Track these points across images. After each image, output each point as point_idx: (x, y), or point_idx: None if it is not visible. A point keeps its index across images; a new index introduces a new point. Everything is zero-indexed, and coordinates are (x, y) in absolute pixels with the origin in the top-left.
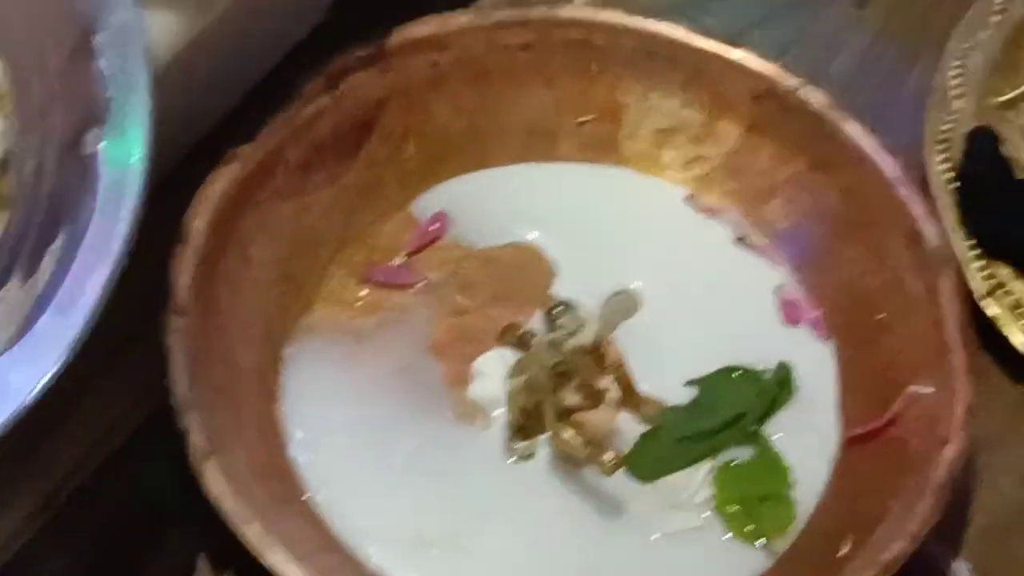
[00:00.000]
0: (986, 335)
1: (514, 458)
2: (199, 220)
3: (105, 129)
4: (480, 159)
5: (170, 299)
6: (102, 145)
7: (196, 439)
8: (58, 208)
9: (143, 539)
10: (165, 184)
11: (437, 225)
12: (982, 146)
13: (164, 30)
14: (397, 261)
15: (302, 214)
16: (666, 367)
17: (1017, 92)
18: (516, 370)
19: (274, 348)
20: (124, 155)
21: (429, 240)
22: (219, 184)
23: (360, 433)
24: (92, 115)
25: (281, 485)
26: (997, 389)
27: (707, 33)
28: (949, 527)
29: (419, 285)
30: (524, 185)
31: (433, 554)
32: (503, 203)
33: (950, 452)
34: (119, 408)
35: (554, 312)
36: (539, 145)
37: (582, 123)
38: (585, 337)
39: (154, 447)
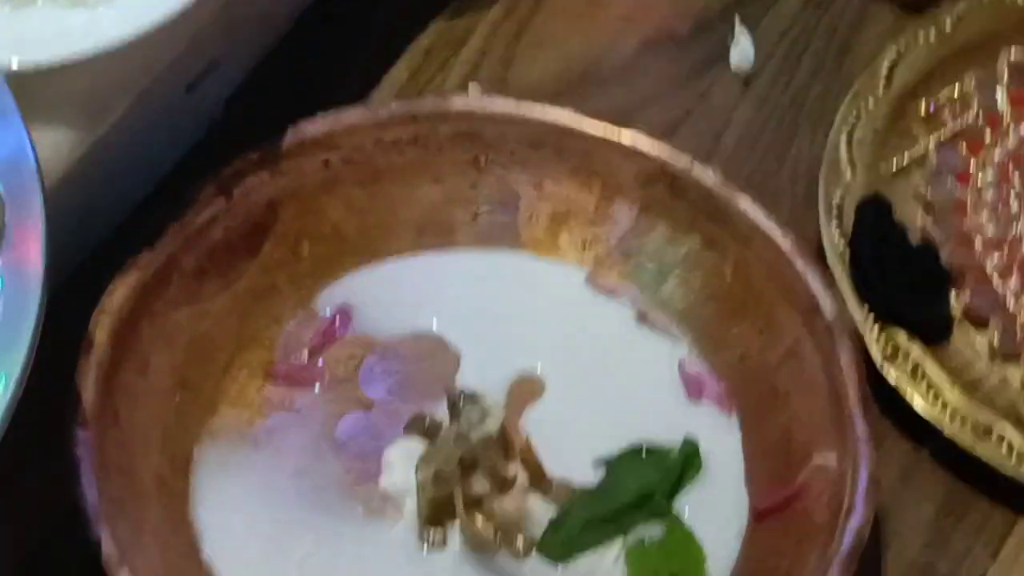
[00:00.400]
0: (878, 398)
1: (426, 548)
2: (101, 332)
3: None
4: (375, 254)
5: (75, 412)
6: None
7: (107, 548)
8: None
9: None
10: (62, 288)
11: (339, 320)
12: (872, 215)
13: (56, 146)
14: (300, 359)
15: (197, 321)
16: (573, 449)
17: (908, 160)
18: (424, 462)
19: (176, 454)
20: (22, 273)
21: (332, 336)
22: (118, 293)
23: (269, 534)
24: None
25: None
26: (892, 452)
27: (596, 115)
28: None
29: (322, 382)
30: (424, 275)
31: None
32: (404, 294)
33: (855, 522)
34: (25, 520)
35: (457, 405)
36: (435, 238)
37: (476, 215)
38: (490, 427)
39: (64, 553)
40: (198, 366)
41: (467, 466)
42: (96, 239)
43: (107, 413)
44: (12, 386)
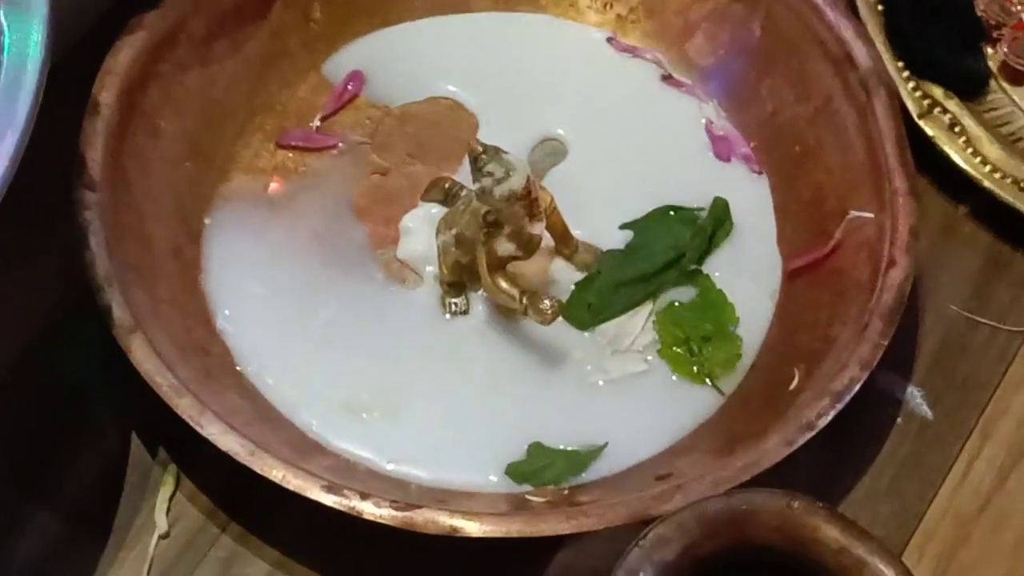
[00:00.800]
0: (915, 155)
1: (448, 315)
2: (107, 92)
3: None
4: (388, 17)
5: (82, 174)
6: (1, 11)
7: (119, 315)
8: None
9: (71, 426)
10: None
11: (352, 85)
12: None
13: None
14: (313, 124)
15: (207, 86)
16: (599, 212)
17: None
18: (444, 225)
19: (191, 221)
20: (25, 22)
21: (345, 101)
22: (124, 54)
23: (286, 302)
24: None
25: (209, 359)
26: (931, 209)
27: None
28: (898, 353)
29: (337, 147)
30: (439, 39)
31: (363, 419)
32: (419, 58)
33: (896, 276)
34: (35, 291)
35: (480, 159)
36: None
37: None
38: (515, 183)
39: (74, 331)
40: (210, 132)
41: (491, 226)
42: (102, 4)
43: (117, 178)
44: (16, 139)
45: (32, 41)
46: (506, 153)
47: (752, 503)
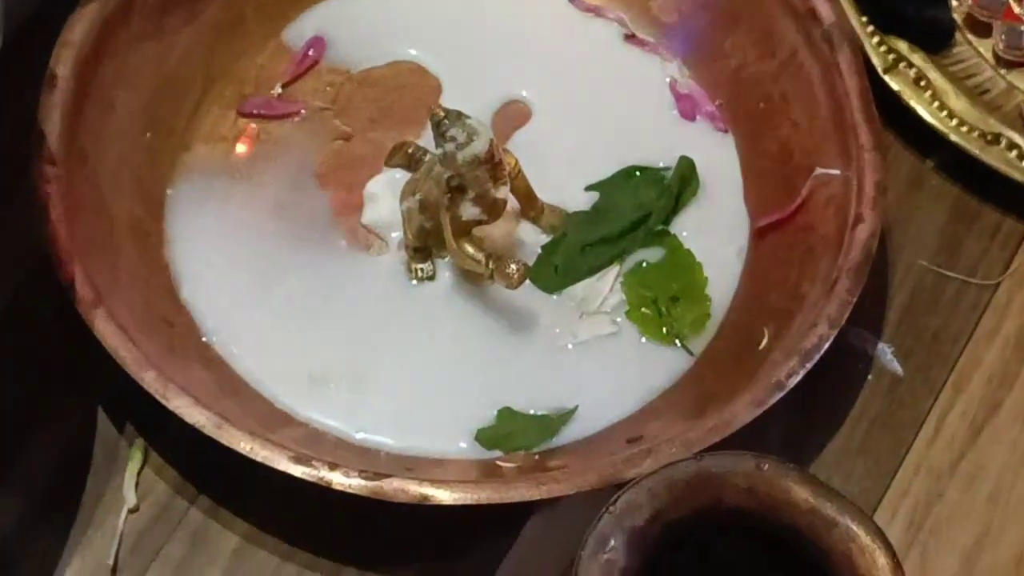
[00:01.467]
0: (882, 110)
1: (415, 281)
2: (63, 66)
3: None
4: None
5: (41, 149)
6: None
7: (81, 289)
8: None
9: (36, 402)
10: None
11: (313, 51)
12: None
13: None
14: (274, 92)
15: (163, 56)
16: (564, 174)
17: None
18: (408, 190)
19: (151, 193)
20: None
21: (306, 68)
22: (78, 28)
23: (250, 272)
24: None
25: (173, 332)
26: (898, 163)
27: None
28: (867, 309)
29: (299, 114)
30: (400, 2)
31: (331, 388)
32: (380, 22)
33: (863, 232)
34: None
35: (442, 124)
36: None
37: None
38: (478, 146)
39: (36, 307)
40: (167, 103)
41: (454, 190)
42: None
43: (74, 152)
44: None
45: None
46: (468, 117)
47: (722, 466)
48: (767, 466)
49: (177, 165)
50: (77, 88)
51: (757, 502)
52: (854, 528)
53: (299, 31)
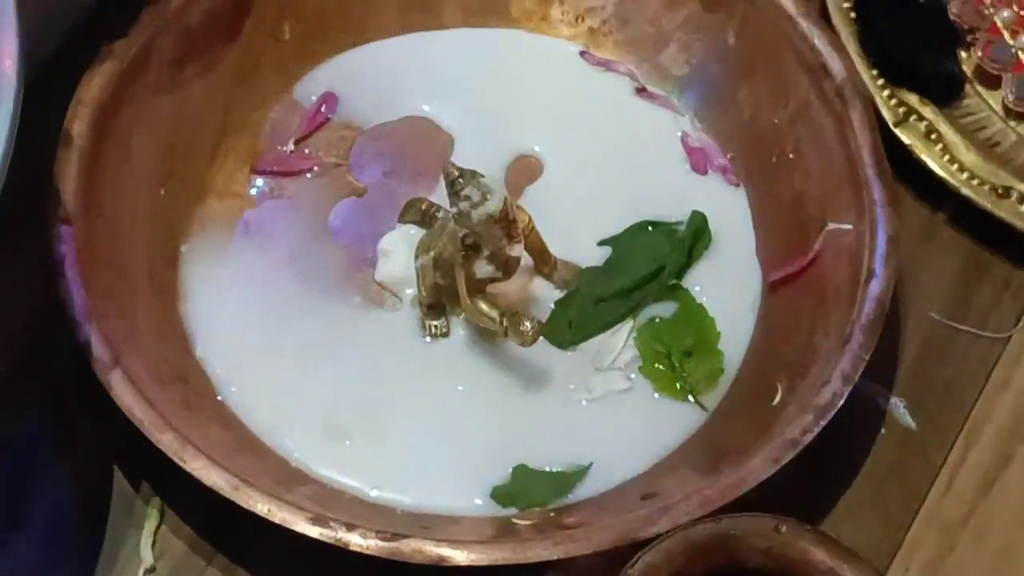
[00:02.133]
0: (893, 163)
1: (429, 337)
2: (79, 123)
3: None
4: (360, 34)
5: (57, 208)
6: None
7: (98, 350)
8: None
9: (53, 458)
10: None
11: (325, 107)
12: None
13: None
14: (287, 148)
15: (179, 108)
16: (577, 229)
17: None
18: (423, 247)
19: (167, 248)
20: None
21: (318, 123)
22: (96, 83)
23: (264, 327)
24: None
25: (188, 388)
26: (910, 217)
27: None
28: (879, 361)
29: (312, 169)
30: (411, 57)
31: (345, 445)
32: (391, 77)
33: (877, 287)
34: (7, 324)
35: (457, 183)
36: (420, 15)
37: None
38: (492, 205)
39: (51, 361)
40: (183, 156)
41: (469, 248)
42: (68, 27)
43: (91, 207)
44: None
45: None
46: (483, 176)
47: (740, 528)
48: (784, 528)
49: (192, 220)
50: (93, 144)
51: (774, 563)
52: None
53: (311, 86)
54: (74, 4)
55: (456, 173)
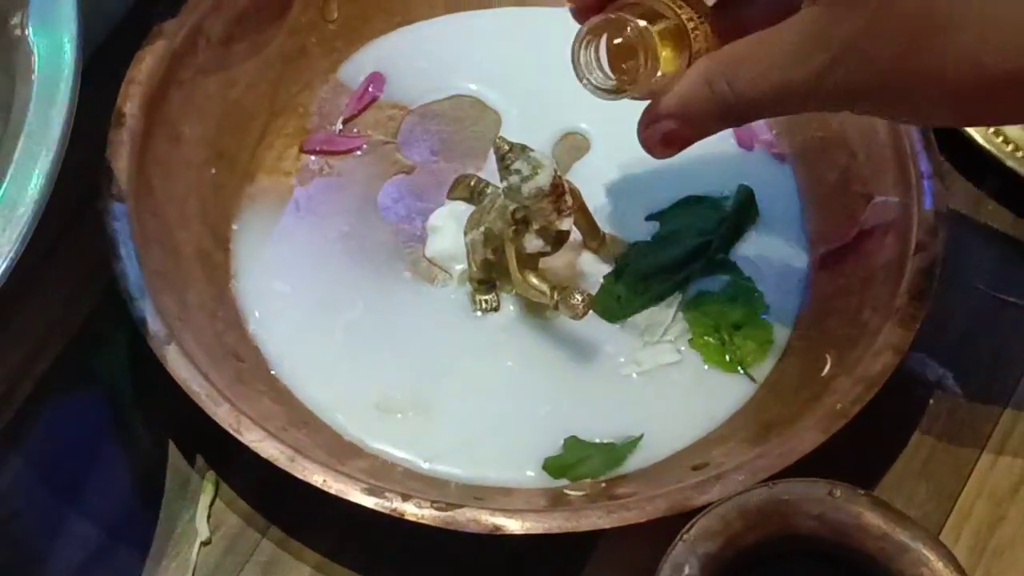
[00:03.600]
0: (938, 137)
1: (479, 312)
2: (131, 103)
3: (31, 9)
4: (407, 15)
5: (110, 185)
6: (30, 26)
7: (153, 325)
8: None
9: (109, 434)
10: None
11: (372, 87)
12: None
13: None
14: (335, 127)
15: (228, 88)
16: (625, 204)
17: None
18: (472, 222)
19: (218, 227)
20: (55, 35)
21: (366, 104)
22: (146, 64)
23: (316, 304)
24: None
25: (242, 365)
26: (955, 190)
27: None
28: (927, 333)
29: (361, 148)
30: (458, 36)
31: (398, 419)
32: (438, 57)
33: (924, 260)
34: (63, 302)
35: (507, 158)
36: None
37: None
38: (543, 179)
39: (106, 339)
40: (232, 135)
41: (519, 222)
42: (120, 11)
43: (142, 186)
44: (52, 157)
45: (64, 60)
46: (532, 150)
47: (793, 493)
48: (838, 492)
49: (242, 198)
50: (144, 124)
51: (828, 528)
52: (926, 553)
53: (358, 67)
54: None
55: (507, 147)
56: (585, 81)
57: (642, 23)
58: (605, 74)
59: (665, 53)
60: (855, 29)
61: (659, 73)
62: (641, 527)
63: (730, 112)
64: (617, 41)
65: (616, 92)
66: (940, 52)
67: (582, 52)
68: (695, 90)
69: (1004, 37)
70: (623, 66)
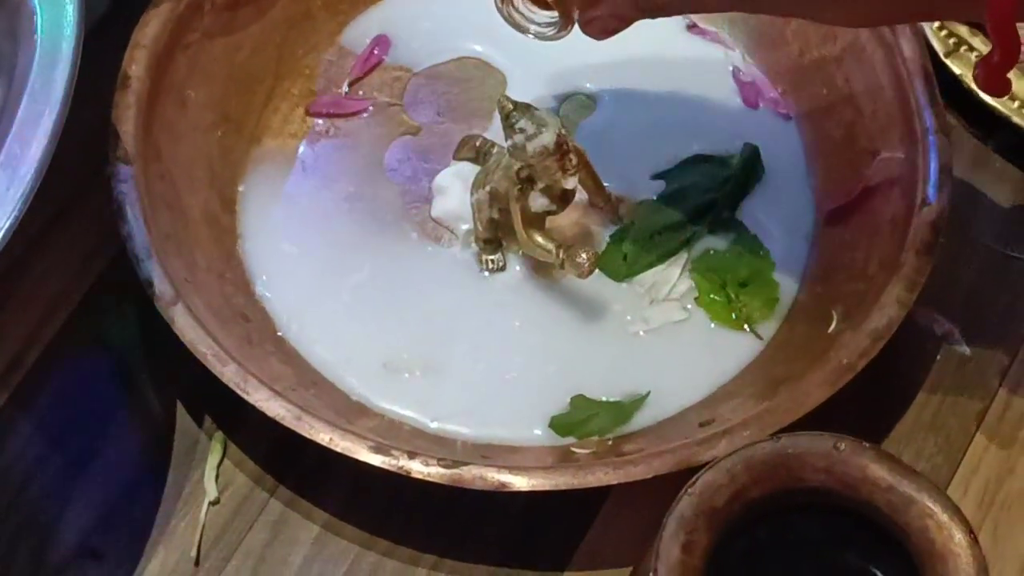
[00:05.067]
0: (943, 94)
1: (486, 272)
2: (136, 65)
3: None
4: None
5: (116, 148)
6: None
7: (160, 286)
8: None
9: (117, 396)
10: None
11: (377, 50)
12: None
13: None
14: (341, 90)
15: (234, 52)
16: (631, 163)
17: None
18: (478, 182)
19: (224, 189)
20: (57, 6)
21: (372, 66)
22: (151, 27)
23: (323, 265)
24: None
25: (250, 326)
26: (960, 146)
27: None
28: (933, 289)
29: (367, 110)
30: None
31: (405, 378)
32: (443, 19)
33: (930, 213)
34: (71, 266)
35: (512, 116)
36: None
37: None
38: (547, 137)
39: (113, 302)
40: (238, 98)
41: (524, 181)
42: None
43: (149, 149)
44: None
45: (66, 20)
46: (537, 109)
47: (799, 446)
48: (844, 445)
49: (248, 161)
50: (150, 87)
51: (835, 481)
52: (931, 505)
53: (362, 30)
54: None
55: (511, 106)
56: (532, 33)
57: None
58: (545, 17)
59: None
60: None
61: None
62: (648, 484)
63: (651, 12)
64: None
65: (563, 26)
66: None
67: (512, 10)
68: (619, 5)
69: None
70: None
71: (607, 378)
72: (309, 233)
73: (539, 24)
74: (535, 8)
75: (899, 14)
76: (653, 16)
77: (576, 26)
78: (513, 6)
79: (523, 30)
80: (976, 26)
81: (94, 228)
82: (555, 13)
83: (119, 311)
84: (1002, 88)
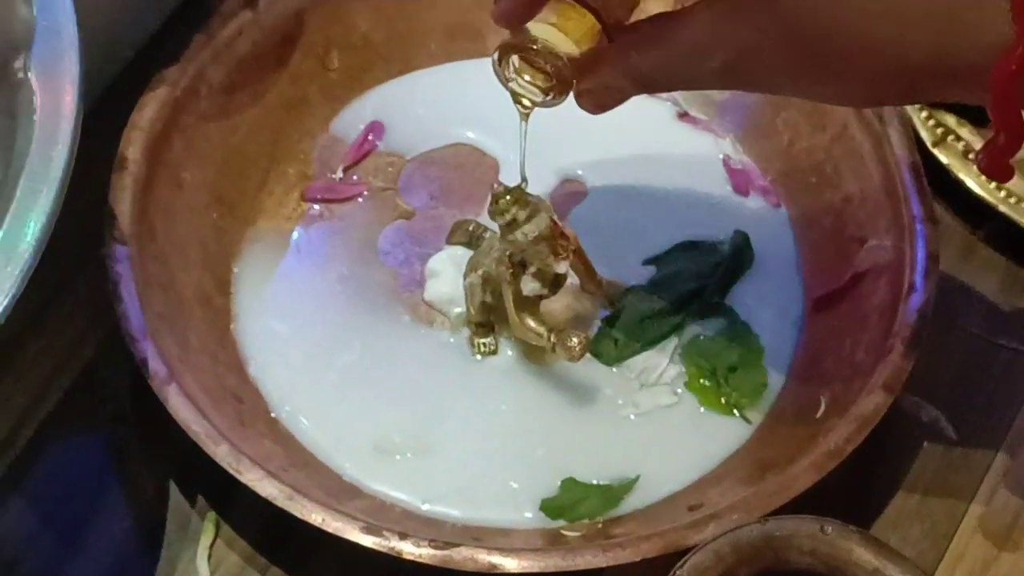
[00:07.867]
0: (931, 184)
1: (478, 355)
2: (133, 148)
3: (34, 52)
4: (405, 64)
5: (112, 229)
6: (33, 69)
7: (154, 366)
8: None
9: (109, 475)
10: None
11: (371, 135)
12: None
13: None
14: (336, 176)
15: (229, 135)
16: (622, 249)
17: None
18: (471, 266)
19: (218, 270)
20: (57, 78)
21: (366, 152)
22: (149, 110)
23: (316, 347)
24: (18, 38)
25: (242, 407)
26: (948, 235)
27: None
28: (921, 376)
29: (361, 194)
30: (455, 85)
31: (396, 460)
32: (436, 105)
33: (917, 301)
34: (65, 344)
35: (504, 201)
36: (465, 44)
37: None
38: (539, 223)
39: (106, 381)
40: (233, 181)
41: (516, 266)
42: (124, 57)
43: (144, 230)
44: (52, 196)
45: (65, 101)
46: (529, 194)
47: (785, 529)
48: (830, 528)
49: (243, 242)
50: (147, 169)
51: (821, 564)
52: None
53: (356, 116)
54: (136, 33)
55: (504, 191)
56: (524, 104)
57: (535, 39)
58: (541, 89)
59: (576, 37)
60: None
61: (578, 54)
62: (638, 566)
63: (646, 88)
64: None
65: (556, 96)
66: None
67: (510, 73)
68: (614, 78)
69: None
70: (547, 68)
71: (597, 461)
72: (302, 314)
73: (533, 91)
74: (532, 73)
75: (899, 93)
76: (648, 91)
77: (571, 95)
78: (512, 70)
79: (517, 97)
80: (964, 115)
81: (88, 307)
82: (551, 79)
83: (113, 390)
84: (1005, 173)
